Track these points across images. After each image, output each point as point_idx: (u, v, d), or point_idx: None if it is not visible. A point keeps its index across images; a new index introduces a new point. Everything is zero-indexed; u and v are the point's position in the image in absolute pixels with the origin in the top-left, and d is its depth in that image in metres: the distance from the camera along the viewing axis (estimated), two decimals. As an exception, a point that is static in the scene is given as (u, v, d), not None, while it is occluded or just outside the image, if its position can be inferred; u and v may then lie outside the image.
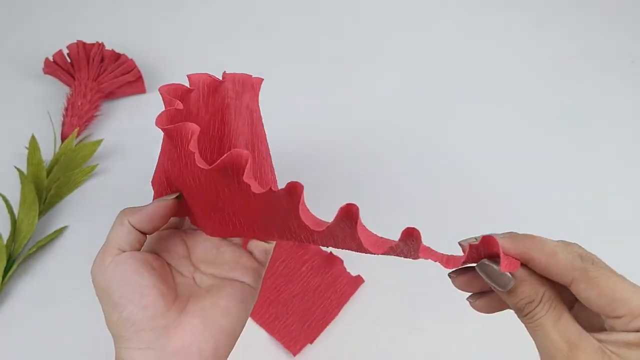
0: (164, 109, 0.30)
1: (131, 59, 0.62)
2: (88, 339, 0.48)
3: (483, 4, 0.73)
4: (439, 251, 0.28)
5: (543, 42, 0.69)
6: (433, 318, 0.49)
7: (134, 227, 0.31)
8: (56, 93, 0.63)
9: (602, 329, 0.26)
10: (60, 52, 0.62)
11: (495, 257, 0.26)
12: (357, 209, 0.23)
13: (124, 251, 0.31)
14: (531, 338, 0.27)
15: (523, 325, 0.27)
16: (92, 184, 0.57)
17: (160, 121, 0.28)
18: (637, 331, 0.24)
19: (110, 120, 0.61)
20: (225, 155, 0.25)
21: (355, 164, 0.59)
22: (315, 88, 0.64)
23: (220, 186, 0.28)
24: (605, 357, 0.24)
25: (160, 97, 0.30)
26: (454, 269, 0.29)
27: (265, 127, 0.41)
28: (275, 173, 0.39)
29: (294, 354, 0.47)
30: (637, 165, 0.59)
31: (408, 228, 0.24)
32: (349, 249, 0.28)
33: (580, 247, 0.26)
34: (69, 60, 0.62)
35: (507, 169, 0.59)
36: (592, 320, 0.27)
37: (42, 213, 0.54)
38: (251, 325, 0.48)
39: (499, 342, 0.47)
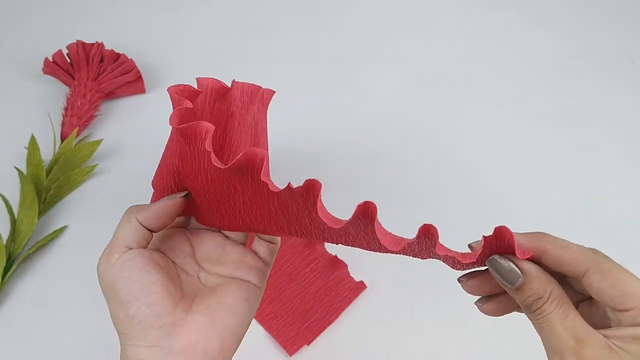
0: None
1: (131, 59, 0.62)
2: (88, 338, 0.48)
3: (483, 4, 0.73)
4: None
5: (543, 42, 0.69)
6: (432, 326, 0.49)
7: (142, 225, 0.31)
8: (56, 93, 0.63)
9: (605, 327, 0.26)
10: (59, 52, 0.62)
11: (507, 250, 0.27)
12: (375, 207, 0.24)
13: (131, 248, 0.31)
14: (536, 336, 0.27)
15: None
16: (91, 184, 0.57)
17: (173, 120, 0.28)
18: None
19: (109, 120, 0.61)
20: (241, 154, 0.26)
21: (355, 164, 0.58)
22: (315, 88, 0.64)
23: (234, 184, 0.28)
24: (612, 353, 0.24)
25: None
26: (463, 274, 0.30)
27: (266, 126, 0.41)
28: (275, 173, 0.39)
29: (290, 354, 0.47)
30: (637, 165, 0.59)
31: (425, 225, 0.25)
32: (358, 247, 0.28)
33: None
34: (68, 60, 0.62)
35: (507, 169, 0.58)
36: (595, 320, 0.27)
37: (41, 213, 0.54)
38: (250, 325, 0.48)
39: (498, 345, 0.47)
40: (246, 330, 0.33)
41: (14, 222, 0.52)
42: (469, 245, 0.29)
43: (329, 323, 0.49)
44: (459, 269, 0.29)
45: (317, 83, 0.65)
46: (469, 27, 0.71)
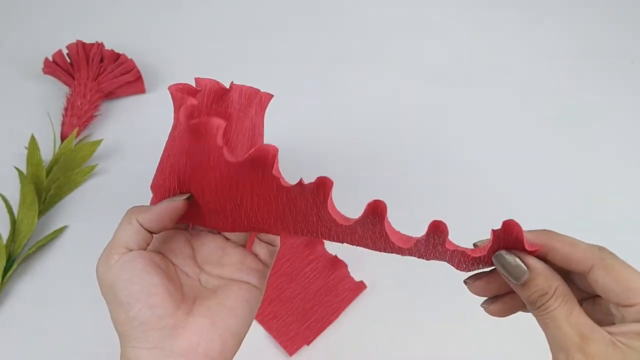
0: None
1: (131, 59, 0.62)
2: (88, 339, 0.48)
3: (483, 3, 0.73)
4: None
5: (543, 42, 0.69)
6: (432, 326, 0.49)
7: (142, 226, 0.31)
8: (56, 93, 0.63)
9: (609, 325, 0.26)
10: (59, 52, 0.62)
11: (516, 243, 0.27)
12: (385, 205, 0.24)
13: (131, 250, 0.31)
14: (537, 336, 0.27)
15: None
16: (91, 184, 0.57)
17: (183, 117, 0.28)
18: None
19: (109, 120, 0.61)
20: (253, 149, 0.26)
21: (355, 164, 0.58)
22: (315, 88, 0.64)
23: (242, 181, 0.28)
24: (616, 349, 0.25)
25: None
26: (469, 276, 0.30)
27: (265, 127, 0.41)
28: None
29: (290, 354, 0.47)
30: (637, 165, 0.59)
31: (435, 221, 0.25)
32: (363, 246, 0.28)
33: None
34: (68, 60, 0.62)
35: (507, 169, 0.58)
36: (599, 318, 0.27)
37: (41, 213, 0.54)
38: (251, 325, 0.48)
39: (499, 345, 0.47)
40: (247, 331, 0.33)
41: (14, 222, 0.52)
42: (474, 244, 0.29)
43: (329, 323, 0.49)
44: (463, 270, 0.29)
45: (317, 83, 0.65)
46: (469, 26, 0.71)
